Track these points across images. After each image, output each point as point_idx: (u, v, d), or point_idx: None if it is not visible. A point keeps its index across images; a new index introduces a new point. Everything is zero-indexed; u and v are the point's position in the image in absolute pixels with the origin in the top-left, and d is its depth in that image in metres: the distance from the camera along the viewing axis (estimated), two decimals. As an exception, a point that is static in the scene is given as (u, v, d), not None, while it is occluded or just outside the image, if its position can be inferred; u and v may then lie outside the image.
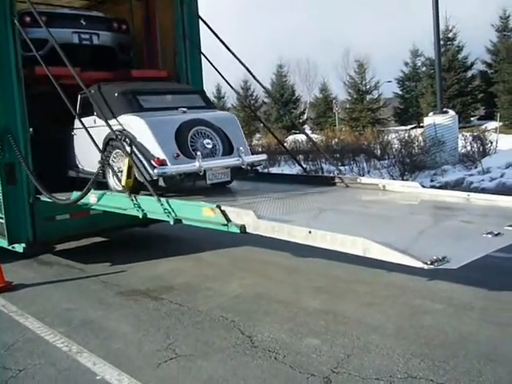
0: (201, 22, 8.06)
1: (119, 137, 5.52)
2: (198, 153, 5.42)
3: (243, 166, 5.88)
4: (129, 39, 8.35)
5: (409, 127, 25.62)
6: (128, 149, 5.45)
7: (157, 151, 5.38)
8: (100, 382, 3.76)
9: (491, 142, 12.99)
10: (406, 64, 33.71)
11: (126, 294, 5.78)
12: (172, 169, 5.32)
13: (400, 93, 33.89)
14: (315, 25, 66.96)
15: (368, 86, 33.67)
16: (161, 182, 5.41)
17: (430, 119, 13.43)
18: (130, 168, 5.42)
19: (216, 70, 8.06)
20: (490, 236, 3.67)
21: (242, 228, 4.11)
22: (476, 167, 11.96)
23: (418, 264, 3.05)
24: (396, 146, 13.53)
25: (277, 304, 5.13)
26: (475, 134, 13.15)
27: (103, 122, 5.87)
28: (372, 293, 5.30)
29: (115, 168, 5.87)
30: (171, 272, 6.52)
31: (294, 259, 6.60)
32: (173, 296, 5.59)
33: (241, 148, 5.87)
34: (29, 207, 6.62)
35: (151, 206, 4.97)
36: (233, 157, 5.82)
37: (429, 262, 3.02)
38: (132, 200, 5.10)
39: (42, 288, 6.18)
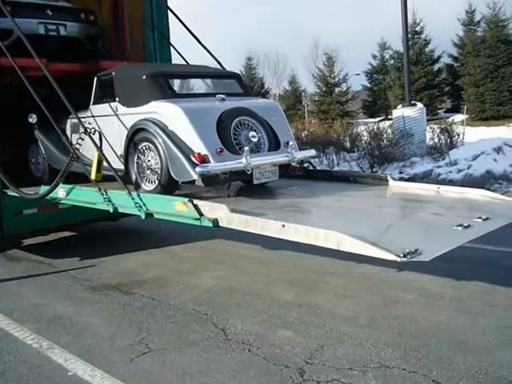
0: (170, 13, 7.98)
1: (87, 130, 5.27)
2: (246, 148, 4.67)
3: (293, 164, 5.22)
4: (97, 30, 8.17)
5: (377, 119, 25.89)
6: (97, 141, 5.28)
7: (197, 145, 4.64)
8: (72, 378, 3.70)
9: (458, 135, 13.21)
10: (374, 57, 34.07)
11: (96, 289, 5.70)
12: (216, 167, 4.58)
13: (368, 85, 34.22)
14: (284, 17, 66.93)
15: (337, 79, 33.92)
16: (198, 182, 4.74)
17: (398, 112, 13.59)
18: (99, 162, 5.17)
19: (186, 61, 8.00)
20: (460, 228, 3.73)
21: (215, 222, 4.05)
22: (444, 159, 12.15)
23: (391, 257, 3.08)
24: (365, 138, 13.64)
25: (250, 296, 5.14)
26: (443, 126, 13.35)
27: (128, 110, 5.29)
28: (344, 285, 5.35)
29: (144, 165, 5.08)
30: (142, 266, 6.45)
31: (266, 252, 6.61)
32: (144, 290, 5.53)
33: (291, 143, 5.16)
34: (-5, 202, 6.46)
35: (122, 200, 4.83)
36: (280, 152, 5.13)
37: (401, 255, 3.06)
38: (102, 194, 4.93)
39: (10, 284, 6.04)
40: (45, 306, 5.24)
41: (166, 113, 4.89)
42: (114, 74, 5.63)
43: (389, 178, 5.44)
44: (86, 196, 5.27)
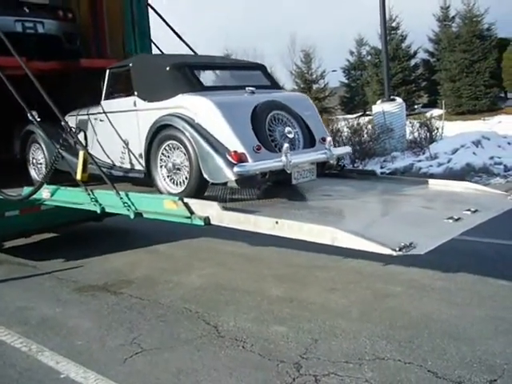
0: (150, 10, 7.90)
1: (71, 129, 5.14)
2: (286, 144, 4.29)
3: (332, 161, 4.92)
4: (75, 27, 8.06)
5: (355, 115, 26.02)
6: (83, 141, 5.17)
7: (233, 142, 4.23)
8: (65, 380, 3.64)
9: (437, 129, 13.33)
10: (352, 53, 34.11)
11: (83, 290, 5.62)
12: (255, 166, 4.17)
13: (346, 82, 34.33)
14: (260, 12, 66.81)
15: (314, 76, 33.96)
16: (231, 183, 4.43)
17: (378, 107, 13.66)
18: (85, 161, 4.97)
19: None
20: (451, 221, 3.75)
21: (206, 220, 3.95)
22: (424, 153, 12.24)
23: (387, 251, 3.07)
24: (346, 133, 13.69)
25: (239, 293, 5.11)
26: (422, 121, 13.46)
27: (149, 105, 4.84)
28: (333, 279, 5.36)
29: (169, 165, 4.64)
30: (128, 266, 6.38)
31: (253, 249, 6.59)
32: (132, 290, 5.48)
33: (328, 139, 4.81)
34: (-24, 204, 6.32)
35: (109, 200, 4.67)
36: (317, 150, 4.75)
37: (397, 249, 3.05)
38: (89, 194, 4.78)
39: (-8, 288, 5.94)
40: (31, 309, 5.15)
41: (196, 107, 4.46)
42: (131, 65, 5.20)
43: (376, 172, 5.46)
44: (71, 197, 5.13)
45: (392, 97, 14.34)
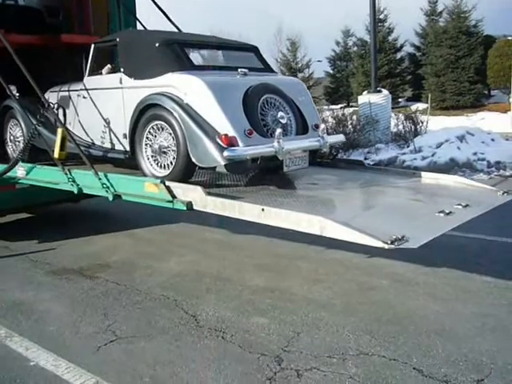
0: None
1: (49, 104, 4.91)
2: (279, 129, 4.10)
3: (325, 150, 4.68)
4: (58, 1, 7.79)
5: (339, 106, 25.94)
6: (62, 118, 4.93)
7: (224, 125, 4.03)
8: (34, 368, 3.46)
9: (422, 123, 13.28)
10: (338, 43, 34.07)
11: (57, 273, 5.42)
12: (246, 151, 4.00)
13: (331, 72, 34.26)
14: (247, 1, 66.26)
15: (300, 65, 33.83)
16: (220, 168, 4.25)
17: (364, 98, 13.56)
18: (63, 139, 4.74)
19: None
20: (442, 215, 3.63)
21: (189, 205, 3.78)
22: (408, 146, 12.19)
23: (378, 243, 2.94)
24: (330, 124, 13.56)
25: (219, 282, 4.96)
26: (407, 113, 13.40)
27: (136, 82, 4.62)
28: (316, 270, 5.23)
29: (155, 147, 4.43)
30: (105, 249, 6.19)
31: (235, 237, 6.45)
32: (109, 275, 5.29)
33: (322, 126, 4.64)
34: None
35: (87, 181, 4.48)
36: (310, 137, 4.59)
37: (389, 242, 2.92)
38: (66, 174, 4.58)
39: (-38, 268, 5.70)
40: (2, 292, 4.93)
41: (185, 86, 4.24)
42: (118, 40, 4.98)
43: (364, 162, 5.32)
44: (48, 176, 4.91)
45: (378, 88, 14.22)
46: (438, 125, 14.39)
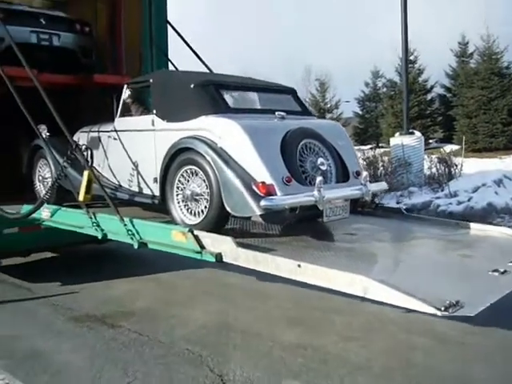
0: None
1: (77, 145, 4.73)
2: (319, 177, 3.84)
3: (367, 198, 4.44)
4: (92, 42, 7.81)
5: (368, 147, 25.68)
6: (90, 159, 4.75)
7: (261, 172, 3.81)
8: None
9: (456, 165, 12.92)
10: (367, 84, 34.04)
11: (79, 320, 5.20)
12: (285, 200, 3.74)
13: (360, 113, 34.14)
14: (276, 42, 67.23)
15: (329, 105, 33.81)
16: (256, 217, 3.99)
17: (397, 140, 13.28)
18: (89, 182, 4.54)
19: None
20: (496, 274, 3.29)
21: (218, 257, 3.52)
22: (443, 190, 11.81)
23: (430, 310, 2.63)
24: (361, 165, 13.31)
25: (248, 336, 4.66)
26: (441, 156, 13.07)
27: (169, 125, 4.45)
28: (350, 324, 4.91)
29: (187, 192, 4.20)
30: (128, 295, 5.95)
31: (262, 284, 6.11)
32: (131, 323, 5.04)
33: (364, 173, 4.40)
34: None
35: (112, 226, 4.26)
36: (351, 185, 4.33)
37: (442, 308, 2.61)
38: (90, 218, 4.39)
39: (-17, 311, 5.52)
40: (21, 339, 4.72)
41: (221, 130, 4.06)
42: (151, 81, 4.84)
43: (403, 210, 5.04)
44: (72, 219, 4.73)
45: (410, 130, 13.95)
46: (472, 167, 14.00)
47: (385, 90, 31.50)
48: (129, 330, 4.87)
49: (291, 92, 5.18)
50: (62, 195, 5.16)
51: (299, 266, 3.14)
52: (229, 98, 4.43)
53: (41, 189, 5.81)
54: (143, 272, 6.76)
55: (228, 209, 3.87)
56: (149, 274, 6.70)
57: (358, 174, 4.44)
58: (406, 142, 12.89)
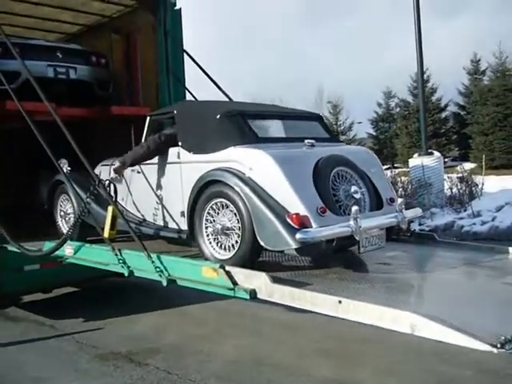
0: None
1: (100, 180, 4.62)
2: (355, 207, 3.68)
3: (403, 226, 4.24)
4: (108, 74, 7.83)
5: (384, 168, 25.53)
6: (113, 193, 4.66)
7: (294, 203, 3.65)
8: None
9: (477, 185, 12.71)
10: (380, 105, 34.04)
11: (104, 358, 5.06)
12: (321, 232, 3.57)
13: (374, 133, 34.07)
14: (287, 64, 67.79)
15: (342, 127, 33.79)
16: (290, 251, 3.76)
17: (416, 160, 13.12)
18: (114, 218, 4.39)
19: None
20: (545, 303, 3.13)
21: (252, 293, 3.34)
22: (465, 210, 11.60)
23: (485, 347, 2.45)
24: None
25: (281, 371, 4.50)
26: (461, 175, 12.88)
27: (195, 157, 4.31)
28: (386, 356, 4.72)
29: (217, 226, 4.02)
30: (154, 330, 5.81)
31: (290, 315, 5.89)
32: (159, 361, 4.89)
33: (400, 200, 4.19)
34: (-6, 257, 5.89)
35: (139, 263, 4.08)
36: (386, 212, 4.14)
37: (498, 345, 2.42)
38: (116, 255, 4.21)
39: (8, 350, 5.40)
40: (46, 381, 4.61)
41: (250, 161, 3.90)
42: (175, 112, 4.71)
43: (435, 236, 4.87)
44: (97, 256, 4.60)
45: (429, 150, 13.81)
46: (492, 186, 13.73)
47: (398, 110, 31.47)
48: (157, 368, 4.72)
49: (317, 118, 5.04)
50: (85, 230, 5.05)
51: (340, 302, 2.98)
52: (256, 127, 4.24)
53: (63, 224, 5.72)
54: (168, 305, 6.62)
55: (261, 242, 3.67)
56: (174, 307, 6.57)
57: (392, 200, 4.27)
58: (425, 162, 12.74)
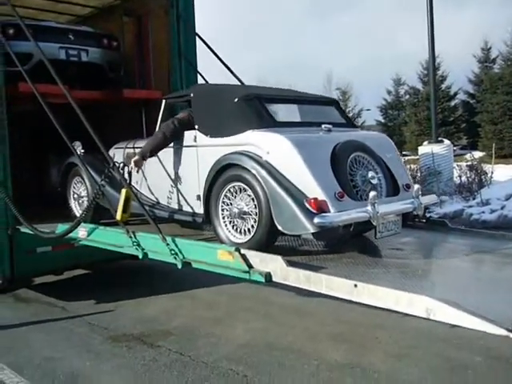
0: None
1: (114, 163, 4.61)
2: (373, 192, 3.68)
3: (419, 212, 4.24)
4: (119, 57, 7.80)
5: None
6: (127, 176, 4.66)
7: (312, 188, 3.65)
8: None
9: (486, 173, 12.65)
10: (389, 92, 33.83)
11: (116, 340, 5.10)
12: (339, 217, 3.57)
13: (382, 121, 33.91)
14: (296, 51, 67.40)
15: (351, 114, 33.61)
16: (307, 235, 3.85)
17: (426, 148, 13.07)
18: (127, 200, 4.38)
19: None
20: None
21: (268, 276, 3.36)
22: (474, 198, 11.55)
23: (501, 331, 2.46)
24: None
25: (293, 355, 4.52)
26: (470, 163, 12.82)
27: (212, 140, 4.31)
28: (397, 341, 4.74)
29: (234, 210, 4.04)
30: (165, 313, 5.85)
31: (301, 299, 5.97)
32: (171, 343, 4.93)
33: (416, 186, 4.21)
34: (7, 239, 5.93)
35: (154, 245, 4.10)
36: (402, 198, 4.14)
37: None
38: (130, 237, 4.23)
39: (19, 331, 5.45)
40: (59, 361, 4.64)
41: (268, 145, 3.89)
42: (192, 95, 4.69)
43: (447, 223, 4.87)
44: (110, 238, 4.61)
45: (439, 138, 13.73)
46: (501, 174, 13.67)
47: (407, 97, 31.27)
48: (169, 350, 4.75)
49: (334, 103, 5.03)
50: (99, 213, 5.07)
51: (355, 285, 2.99)
52: (273, 111, 4.24)
53: (76, 207, 5.75)
54: (179, 288, 6.66)
55: (279, 227, 3.70)
56: (185, 291, 6.61)
57: (408, 186, 4.27)
58: (435, 150, 12.68)
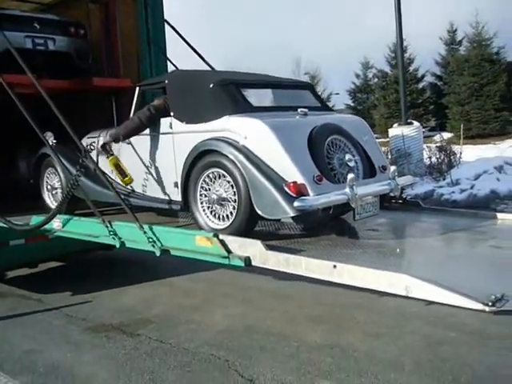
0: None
1: (88, 152, 4.56)
2: (351, 175, 3.71)
3: (396, 193, 4.33)
4: (87, 45, 7.65)
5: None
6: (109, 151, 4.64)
7: (291, 172, 3.66)
8: None
9: (455, 154, 12.88)
10: (358, 76, 34.01)
11: (95, 330, 5.08)
12: (318, 200, 3.58)
13: (352, 104, 34.12)
14: (264, 35, 67.02)
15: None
16: (286, 219, 3.85)
17: (396, 130, 13.22)
18: (117, 166, 4.46)
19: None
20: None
21: (247, 260, 3.36)
22: (444, 179, 11.78)
23: (477, 306, 2.53)
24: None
25: (272, 337, 4.58)
26: (439, 144, 13.04)
27: (188, 127, 4.27)
28: (374, 321, 4.84)
29: (212, 196, 4.04)
30: (144, 302, 5.84)
31: (280, 284, 6.01)
32: (151, 331, 4.94)
33: (392, 168, 4.24)
34: (-22, 232, 5.82)
35: (131, 234, 4.04)
36: (378, 180, 4.18)
37: (489, 303, 2.51)
38: (107, 226, 4.16)
39: (-5, 326, 5.39)
40: (38, 353, 4.61)
41: (245, 130, 3.87)
42: (167, 82, 4.63)
43: (420, 203, 4.97)
44: (86, 228, 4.56)
45: (409, 120, 13.91)
46: (469, 155, 13.96)
47: (376, 80, 31.49)
48: (149, 338, 4.76)
49: (309, 87, 5.04)
50: (74, 203, 5.01)
51: (335, 266, 3.03)
52: (249, 96, 4.22)
53: (49, 198, 5.67)
54: (156, 277, 6.65)
55: (258, 211, 3.70)
56: (162, 279, 6.61)
57: (385, 168, 4.33)
58: (405, 132, 12.85)
